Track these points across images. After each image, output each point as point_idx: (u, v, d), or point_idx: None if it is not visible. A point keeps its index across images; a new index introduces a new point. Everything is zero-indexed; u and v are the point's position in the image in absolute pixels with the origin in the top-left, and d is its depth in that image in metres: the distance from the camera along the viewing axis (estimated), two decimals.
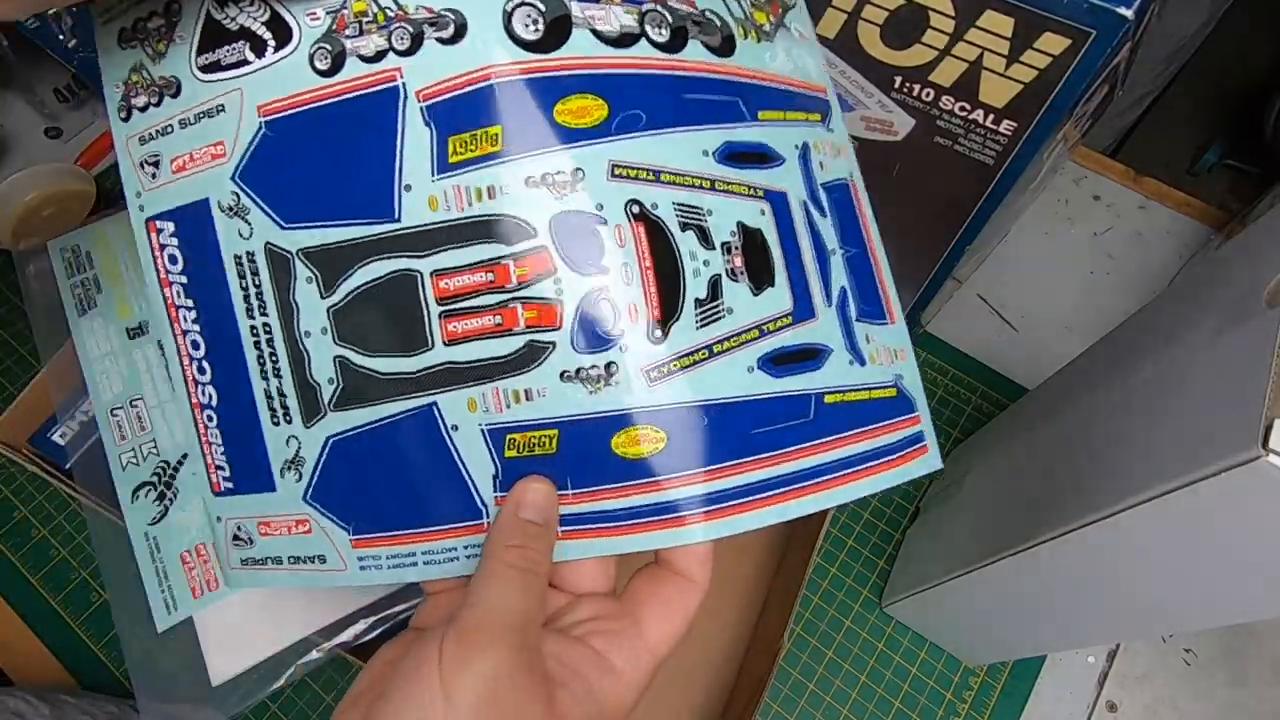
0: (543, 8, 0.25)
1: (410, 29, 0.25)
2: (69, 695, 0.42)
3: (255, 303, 0.27)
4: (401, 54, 0.26)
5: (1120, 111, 0.91)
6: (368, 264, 0.26)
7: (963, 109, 0.36)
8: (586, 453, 0.25)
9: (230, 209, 0.27)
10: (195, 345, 0.28)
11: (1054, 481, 0.35)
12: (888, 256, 0.30)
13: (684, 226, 0.25)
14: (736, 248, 0.26)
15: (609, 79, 0.25)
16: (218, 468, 0.29)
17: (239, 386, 0.28)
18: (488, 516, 0.25)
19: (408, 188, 0.25)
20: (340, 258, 0.26)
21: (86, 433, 0.42)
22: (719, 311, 0.25)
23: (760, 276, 0.26)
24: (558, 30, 0.25)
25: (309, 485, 0.27)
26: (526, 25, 0.25)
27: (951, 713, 0.49)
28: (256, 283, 0.27)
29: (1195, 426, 0.26)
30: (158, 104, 0.28)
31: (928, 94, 0.36)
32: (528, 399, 0.25)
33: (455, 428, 0.25)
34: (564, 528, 0.25)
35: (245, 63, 0.27)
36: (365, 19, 0.26)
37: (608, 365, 0.24)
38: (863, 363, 0.27)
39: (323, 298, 0.26)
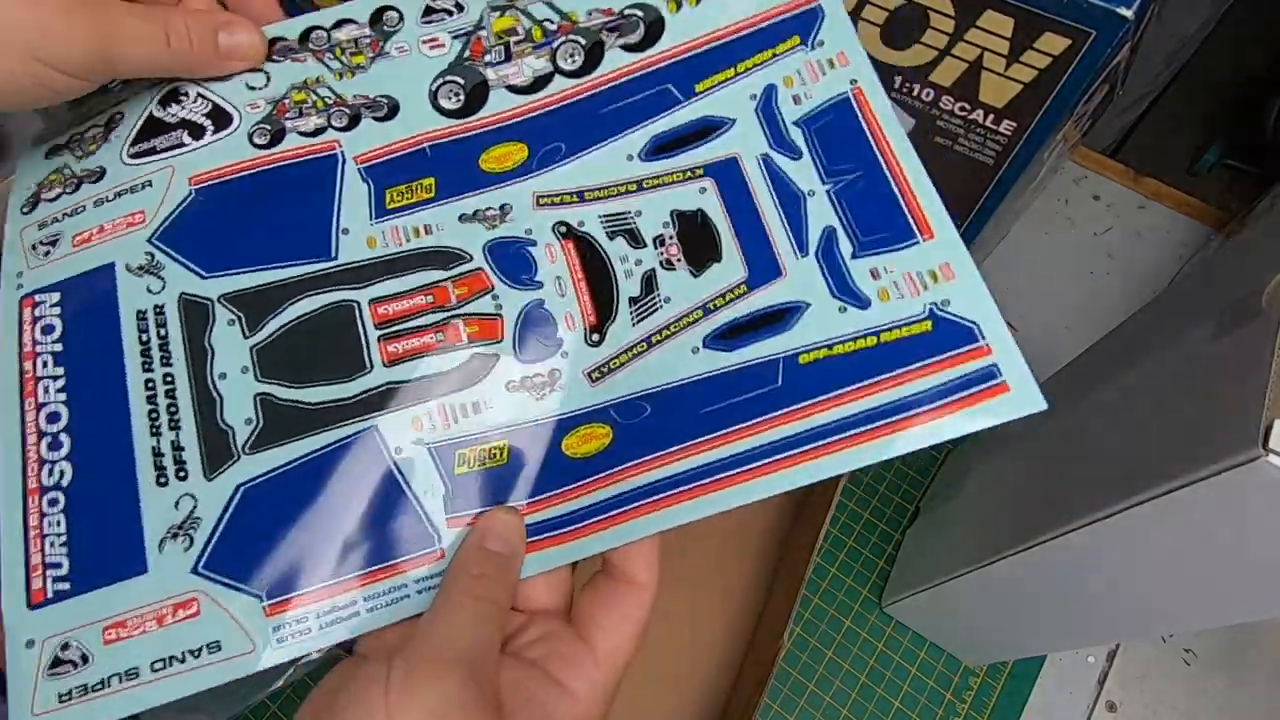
0: (462, 81, 0.28)
1: (349, 111, 0.28)
2: None
3: (157, 354, 0.26)
4: (340, 130, 0.28)
5: (1120, 111, 0.91)
6: (300, 300, 0.26)
7: (963, 109, 0.36)
8: (537, 458, 0.25)
9: (140, 268, 0.27)
10: (53, 418, 0.25)
11: (1054, 481, 0.35)
12: None
13: (611, 235, 0.26)
14: (671, 238, 0.26)
15: (526, 124, 0.28)
16: (49, 567, 0.24)
17: (112, 452, 0.25)
18: (439, 542, 0.24)
19: (345, 231, 0.27)
20: (268, 297, 0.26)
21: None
22: (655, 304, 0.26)
23: (701, 256, 0.26)
24: (477, 96, 0.28)
25: (203, 552, 0.24)
26: (450, 98, 0.28)
27: (951, 713, 0.49)
28: (162, 335, 0.26)
29: (1195, 426, 0.26)
30: (73, 191, 0.28)
31: (928, 94, 0.36)
32: (475, 411, 0.25)
33: (399, 450, 0.25)
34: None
35: (181, 145, 0.28)
36: (305, 105, 0.28)
37: (550, 372, 0.25)
38: (864, 305, 0.24)
39: (245, 337, 0.26)
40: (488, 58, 0.28)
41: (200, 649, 0.23)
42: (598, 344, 0.25)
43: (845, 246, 0.25)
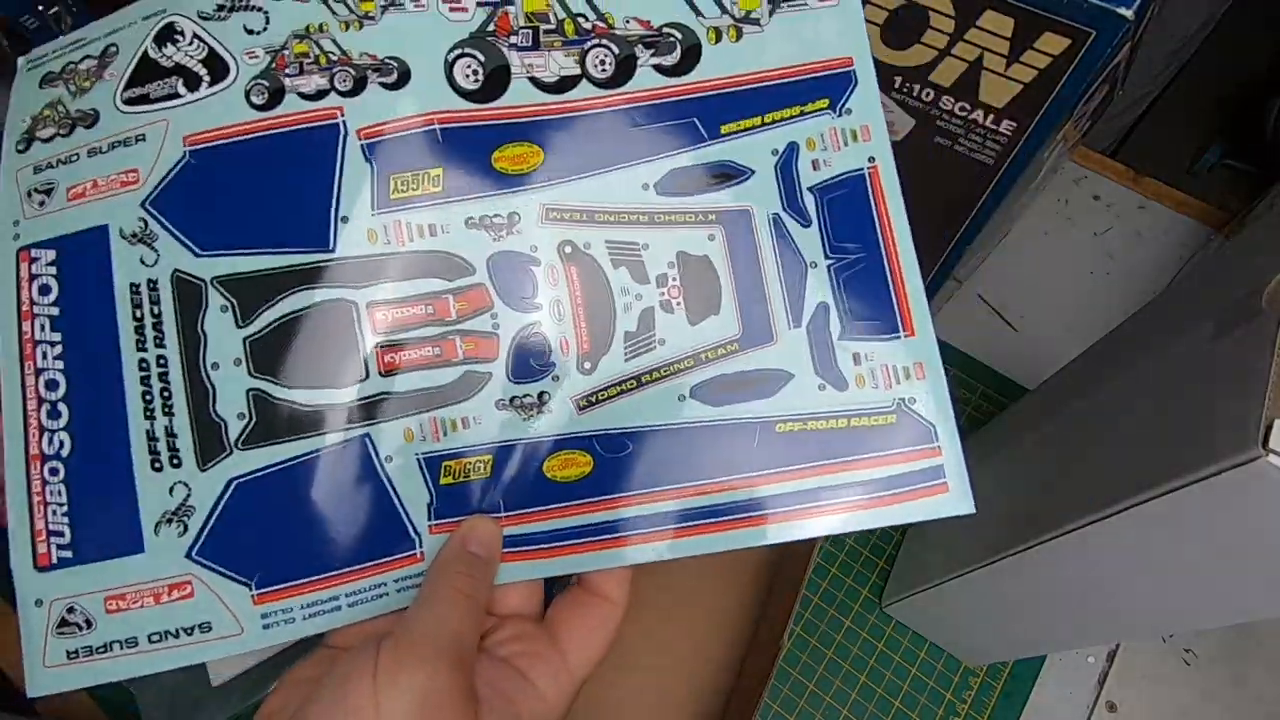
0: (482, 59, 0.26)
1: (354, 73, 0.26)
2: None
3: (151, 334, 0.26)
4: (344, 94, 0.26)
5: (1120, 111, 0.91)
6: (295, 293, 0.26)
7: (963, 109, 0.36)
8: (519, 476, 0.25)
9: (134, 235, 0.26)
10: (51, 385, 0.26)
11: (1054, 481, 0.35)
12: None
13: (616, 263, 0.26)
14: (674, 279, 0.26)
15: (546, 125, 0.26)
16: (51, 534, 0.25)
17: (108, 430, 0.25)
18: (420, 546, 0.25)
19: (344, 219, 0.26)
20: (263, 286, 0.26)
21: None
22: (650, 343, 0.26)
23: (701, 305, 0.26)
24: (497, 81, 0.26)
25: (197, 539, 0.25)
26: (467, 76, 0.26)
27: (951, 713, 0.49)
28: (155, 313, 0.26)
29: (1195, 426, 0.26)
30: (67, 134, 0.28)
31: (928, 94, 0.36)
32: (464, 426, 0.25)
33: (389, 459, 0.25)
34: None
35: (175, 95, 0.27)
36: (306, 60, 0.27)
37: (540, 394, 0.25)
38: (841, 387, 0.25)
39: (239, 327, 0.26)
40: (513, 39, 0.26)
41: (193, 628, 0.25)
42: (589, 372, 0.25)
43: (835, 326, 0.26)
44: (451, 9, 0.26)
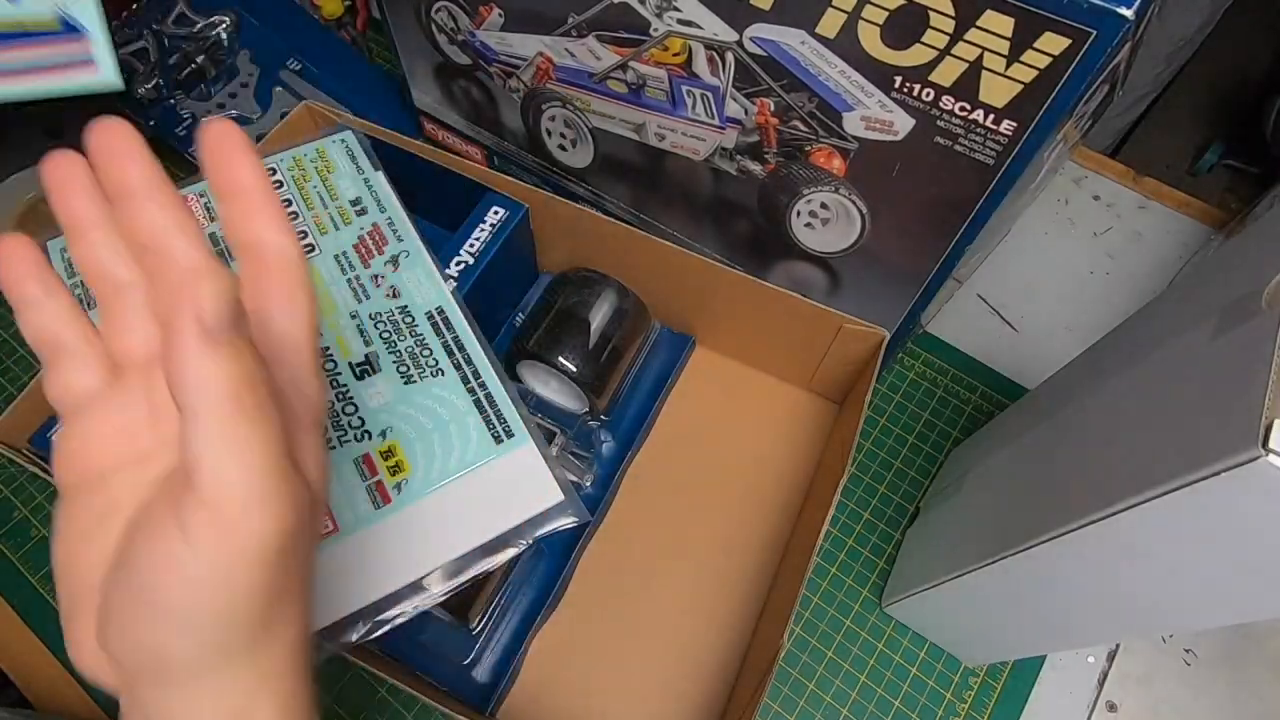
0: None
1: None
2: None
3: None
4: None
5: (1120, 111, 0.91)
6: None
7: (963, 109, 0.36)
8: None
9: None
10: None
11: (1054, 481, 0.35)
12: (889, 255, 0.29)
13: None
14: None
15: None
16: None
17: None
18: None
19: None
20: None
21: None
22: None
23: None
24: None
25: None
26: None
27: (951, 713, 0.49)
28: None
29: (1195, 426, 0.26)
30: None
31: (928, 94, 0.36)
32: None
33: None
34: None
35: None
36: None
37: None
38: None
39: None
40: None
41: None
42: None
43: None
44: None
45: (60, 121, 0.63)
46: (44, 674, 0.49)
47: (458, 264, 0.46)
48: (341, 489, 0.36)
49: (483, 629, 0.46)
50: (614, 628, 0.49)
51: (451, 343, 0.41)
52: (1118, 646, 0.51)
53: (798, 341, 0.51)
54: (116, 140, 0.20)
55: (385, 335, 0.40)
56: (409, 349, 0.40)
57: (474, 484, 0.37)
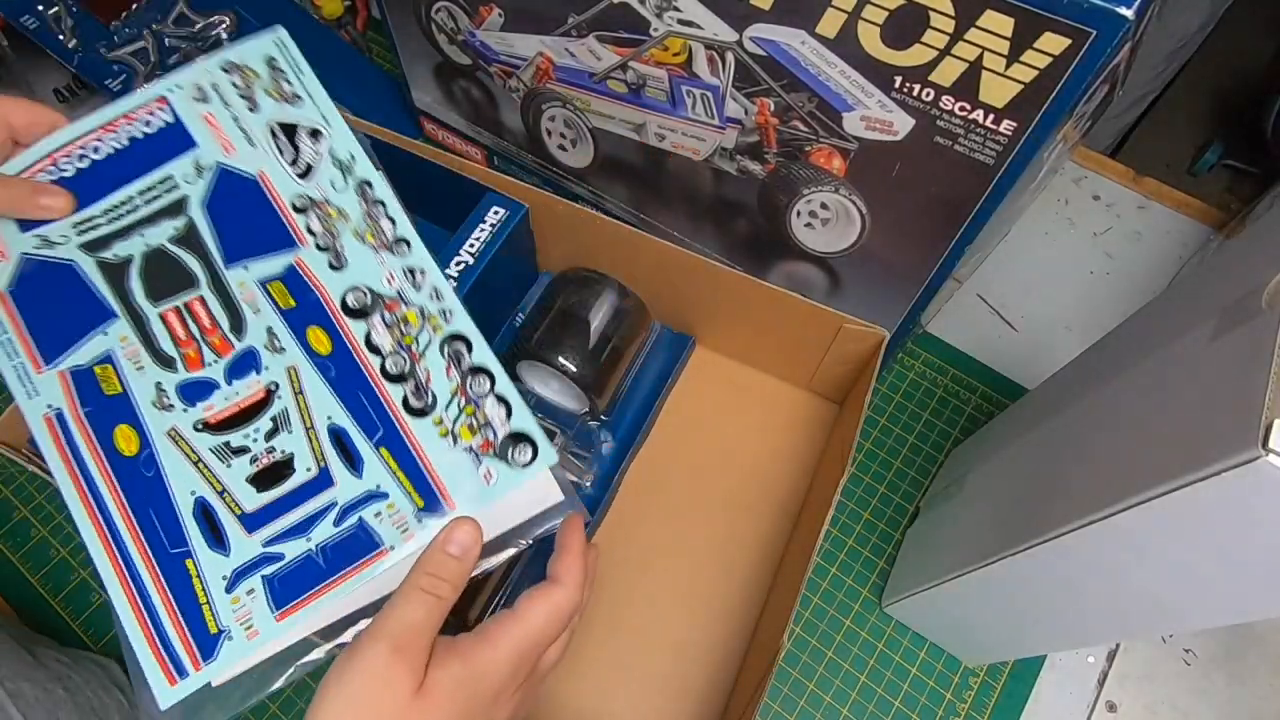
0: None
1: None
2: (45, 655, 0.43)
3: None
4: None
5: (1120, 111, 0.91)
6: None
7: (963, 109, 0.36)
8: None
9: None
10: None
11: (1054, 481, 0.35)
12: (889, 255, 0.30)
13: None
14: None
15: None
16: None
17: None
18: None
19: None
20: None
21: None
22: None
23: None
24: None
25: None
26: None
27: (951, 713, 0.49)
28: None
29: (1195, 426, 0.26)
30: None
31: (928, 94, 0.36)
32: None
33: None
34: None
35: None
36: None
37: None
38: (228, 589, 0.30)
39: None
40: None
41: None
42: None
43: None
44: None
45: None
46: None
47: (458, 264, 0.46)
48: None
49: None
50: (614, 627, 0.49)
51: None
52: (1118, 646, 0.51)
53: (798, 341, 0.51)
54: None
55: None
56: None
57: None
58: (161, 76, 0.36)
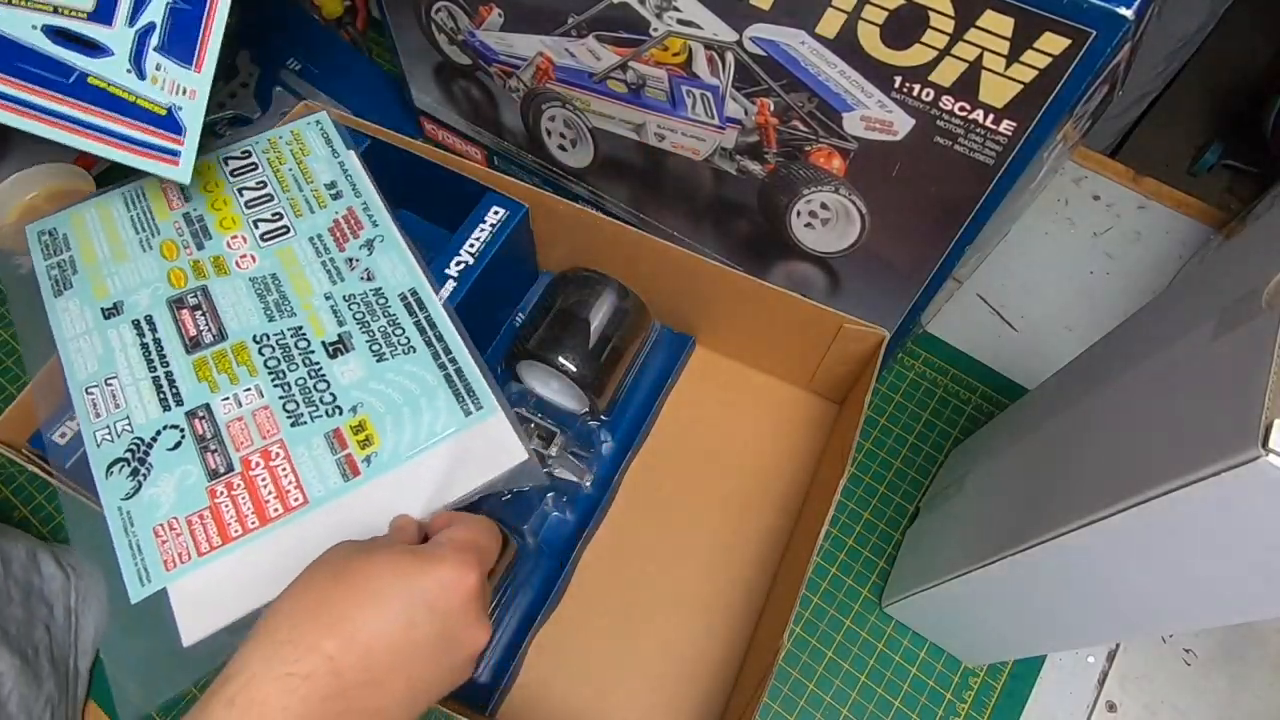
0: None
1: None
2: None
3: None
4: None
5: (1120, 111, 0.91)
6: None
7: (963, 109, 0.36)
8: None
9: None
10: None
11: (1054, 481, 0.35)
12: (889, 255, 0.30)
13: None
14: None
15: None
16: None
17: None
18: None
19: None
20: None
21: None
22: None
23: None
24: None
25: None
26: None
27: (951, 713, 0.49)
28: None
29: (1195, 426, 0.26)
30: None
31: (928, 94, 0.36)
32: None
33: None
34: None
35: None
36: None
37: None
38: (141, 76, 0.40)
39: None
40: None
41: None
42: None
43: (155, 39, 0.40)
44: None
45: None
46: None
47: (458, 264, 0.46)
48: (312, 463, 0.37)
49: None
50: (614, 628, 0.49)
51: (424, 321, 0.42)
52: (1118, 646, 0.51)
53: (798, 341, 0.51)
54: None
55: (359, 316, 0.42)
56: (381, 328, 0.41)
57: (444, 454, 0.38)
58: None
